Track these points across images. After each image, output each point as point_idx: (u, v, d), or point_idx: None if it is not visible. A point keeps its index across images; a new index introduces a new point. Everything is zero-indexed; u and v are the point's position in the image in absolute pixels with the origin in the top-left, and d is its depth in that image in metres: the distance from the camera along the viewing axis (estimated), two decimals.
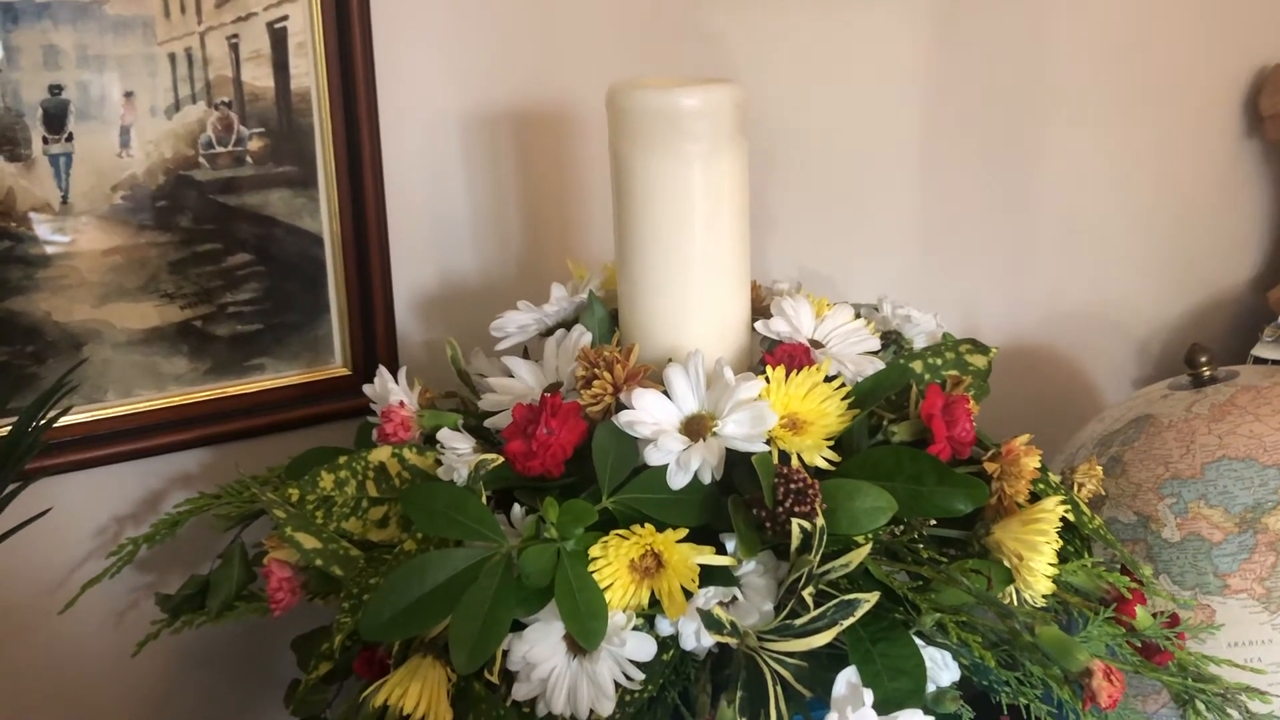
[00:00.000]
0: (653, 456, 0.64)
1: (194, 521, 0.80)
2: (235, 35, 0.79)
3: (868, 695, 0.57)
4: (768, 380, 0.67)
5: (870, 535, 0.64)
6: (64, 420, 0.79)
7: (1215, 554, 0.81)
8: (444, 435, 0.70)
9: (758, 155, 0.97)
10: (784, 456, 0.65)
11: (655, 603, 0.62)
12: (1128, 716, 0.70)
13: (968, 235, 1.11)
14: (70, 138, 0.76)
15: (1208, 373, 0.92)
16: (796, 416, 0.67)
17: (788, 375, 0.67)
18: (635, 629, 0.62)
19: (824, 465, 0.66)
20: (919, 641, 0.62)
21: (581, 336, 0.73)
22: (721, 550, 0.63)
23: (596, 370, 0.68)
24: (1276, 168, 1.26)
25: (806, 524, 0.60)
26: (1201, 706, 0.66)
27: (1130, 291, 1.22)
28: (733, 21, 0.96)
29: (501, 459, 0.66)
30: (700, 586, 0.62)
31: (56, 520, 0.80)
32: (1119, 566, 0.71)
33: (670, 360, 0.68)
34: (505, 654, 0.62)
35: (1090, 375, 1.22)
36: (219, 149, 0.81)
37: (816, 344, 0.73)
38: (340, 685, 0.75)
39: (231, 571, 0.75)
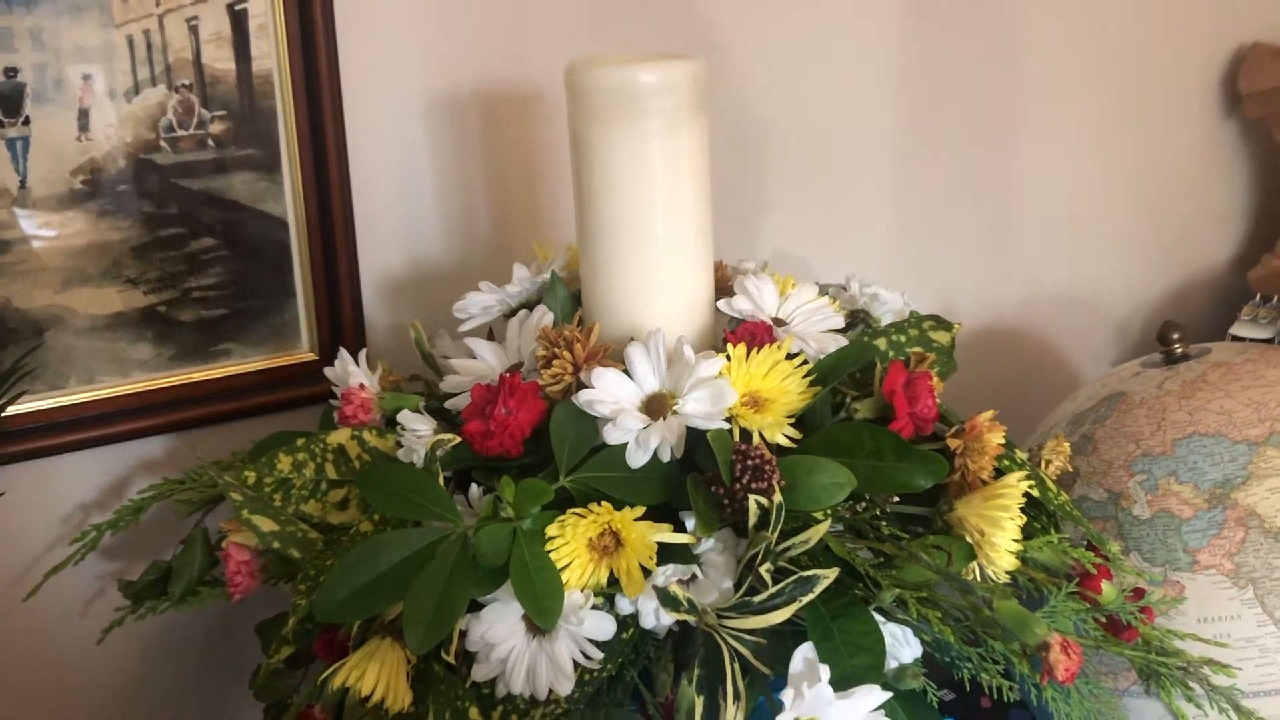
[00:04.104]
0: (612, 435, 0.63)
1: (158, 508, 0.80)
2: (195, 17, 0.79)
3: (824, 671, 0.57)
4: (729, 358, 0.66)
5: (830, 511, 0.63)
6: (28, 407, 0.79)
7: (1185, 530, 0.81)
8: (404, 417, 0.69)
9: (734, 136, 0.96)
10: (746, 434, 0.65)
11: (614, 581, 0.62)
12: (1097, 694, 0.69)
13: (945, 216, 1.11)
14: (27, 121, 0.76)
15: (1180, 350, 0.92)
16: (758, 394, 0.67)
17: (749, 353, 0.67)
18: (595, 608, 0.61)
19: (785, 443, 0.65)
20: (879, 618, 0.62)
21: (543, 316, 0.73)
22: (681, 528, 0.63)
23: (556, 350, 0.67)
24: (1255, 146, 1.25)
25: (764, 500, 0.60)
26: (1165, 680, 0.66)
27: (1109, 271, 1.21)
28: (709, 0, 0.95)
29: (459, 439, 0.65)
30: (659, 565, 0.61)
31: (20, 507, 0.80)
32: (1086, 543, 0.70)
33: (631, 339, 0.68)
34: (464, 635, 0.62)
35: (1069, 355, 1.22)
36: (180, 132, 0.80)
37: (780, 322, 0.73)
38: (306, 669, 0.75)
39: (193, 557, 0.75)
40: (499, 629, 0.61)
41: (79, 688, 0.86)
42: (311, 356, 0.87)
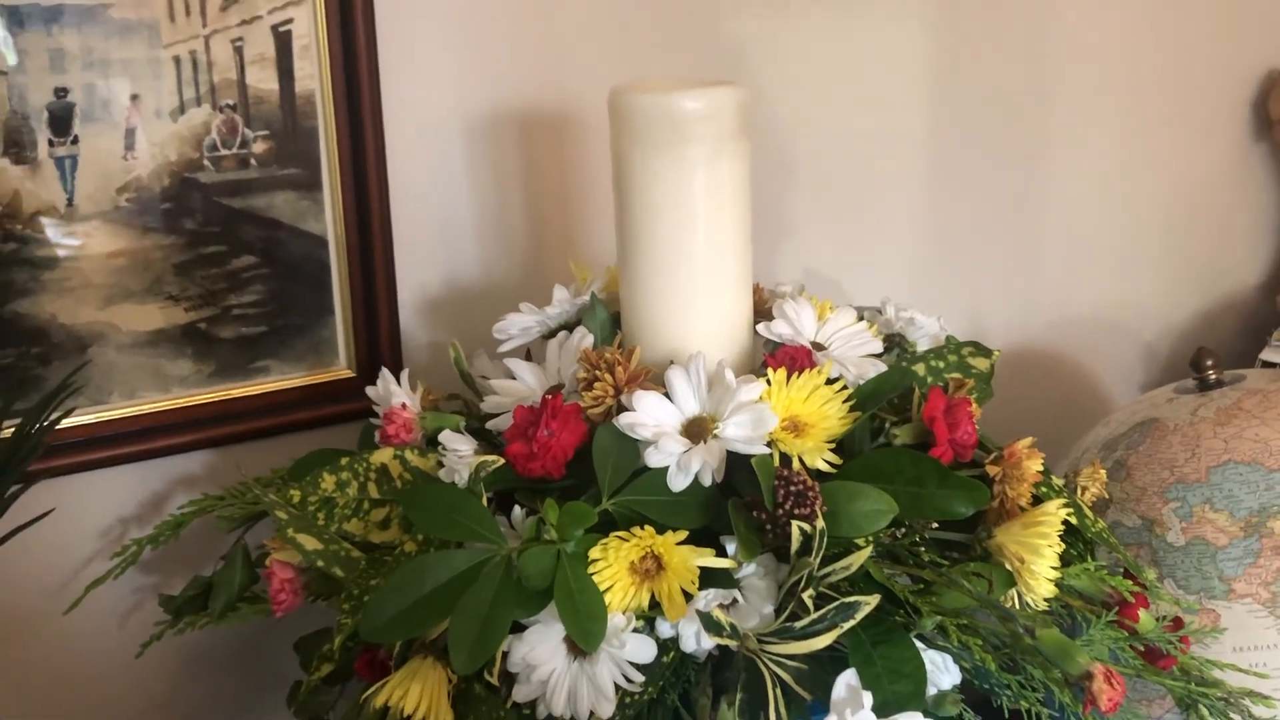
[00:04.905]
0: (653, 458, 0.64)
1: (198, 523, 0.80)
2: (240, 38, 0.80)
3: (867, 698, 0.57)
4: (769, 382, 0.67)
5: (871, 538, 0.63)
6: (69, 422, 0.79)
7: (1220, 558, 0.81)
8: (445, 437, 0.70)
9: (765, 159, 0.97)
10: (785, 459, 0.65)
11: (655, 605, 0.62)
12: None
13: (975, 239, 1.11)
14: (75, 140, 0.77)
15: (1213, 376, 0.92)
16: (798, 419, 0.67)
17: (789, 378, 0.67)
18: (635, 631, 0.62)
19: (825, 468, 0.65)
20: (920, 644, 0.62)
21: (583, 338, 0.73)
22: (722, 552, 0.63)
23: (598, 372, 0.68)
24: None
25: (806, 526, 0.60)
26: (1205, 711, 0.66)
27: (1138, 295, 1.21)
28: (739, 24, 0.96)
29: (502, 460, 0.66)
30: (700, 589, 0.61)
31: (62, 521, 0.80)
32: (1122, 570, 0.71)
33: (672, 362, 0.68)
34: (506, 656, 0.62)
35: (1098, 379, 1.22)
36: (224, 151, 0.81)
37: (819, 346, 0.73)
38: (343, 687, 0.76)
39: (234, 573, 0.75)
40: (541, 650, 0.62)
41: (116, 699, 0.87)
42: (349, 374, 0.87)
